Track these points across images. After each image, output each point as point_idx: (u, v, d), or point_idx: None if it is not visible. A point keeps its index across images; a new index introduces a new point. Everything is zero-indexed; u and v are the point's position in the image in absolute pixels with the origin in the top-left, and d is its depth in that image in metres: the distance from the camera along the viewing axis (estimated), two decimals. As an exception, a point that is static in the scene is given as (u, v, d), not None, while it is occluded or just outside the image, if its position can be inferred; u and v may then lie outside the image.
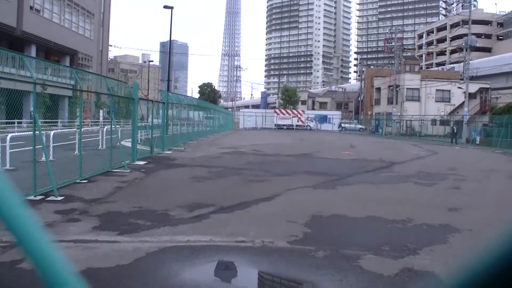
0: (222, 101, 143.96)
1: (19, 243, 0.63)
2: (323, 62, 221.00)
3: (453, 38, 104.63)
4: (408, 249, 7.53)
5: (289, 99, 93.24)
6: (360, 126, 79.46)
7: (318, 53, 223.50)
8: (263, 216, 9.81)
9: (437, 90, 68.14)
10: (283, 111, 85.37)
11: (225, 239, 7.83)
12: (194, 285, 5.66)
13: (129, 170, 16.26)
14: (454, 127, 46.75)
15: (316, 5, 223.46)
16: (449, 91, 67.35)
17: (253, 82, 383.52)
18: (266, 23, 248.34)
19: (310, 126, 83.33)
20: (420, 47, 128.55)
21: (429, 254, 7.32)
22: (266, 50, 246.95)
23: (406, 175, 17.46)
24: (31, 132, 11.31)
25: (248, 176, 15.87)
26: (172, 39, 48.42)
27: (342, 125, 79.72)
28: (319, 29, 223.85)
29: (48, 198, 10.60)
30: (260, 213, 10.07)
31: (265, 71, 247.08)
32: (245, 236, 8.03)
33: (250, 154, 25.48)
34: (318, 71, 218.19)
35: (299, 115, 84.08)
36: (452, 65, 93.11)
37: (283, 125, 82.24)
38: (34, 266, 0.62)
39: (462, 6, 66.74)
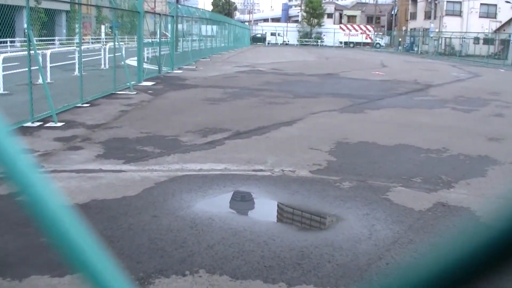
0: (238, 14, 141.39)
1: (8, 177, 0.62)
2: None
3: None
4: (443, 181, 7.52)
5: (314, 11, 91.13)
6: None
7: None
8: (283, 142, 9.82)
9: (481, 4, 65.79)
10: (350, 26, 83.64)
11: (241, 167, 7.89)
12: (207, 218, 5.74)
13: (135, 92, 16.26)
14: None
15: None
16: (495, 5, 65.01)
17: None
18: None
19: (379, 44, 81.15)
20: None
21: (466, 188, 7.32)
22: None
23: (443, 100, 17.25)
24: (26, 52, 11.25)
25: (267, 98, 15.80)
26: None
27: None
28: None
29: (47, 124, 10.68)
30: (280, 139, 10.09)
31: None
32: (264, 164, 8.08)
33: (269, 73, 25.28)
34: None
35: (367, 31, 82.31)
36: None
37: (350, 42, 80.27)
38: (26, 200, 0.61)
39: None
